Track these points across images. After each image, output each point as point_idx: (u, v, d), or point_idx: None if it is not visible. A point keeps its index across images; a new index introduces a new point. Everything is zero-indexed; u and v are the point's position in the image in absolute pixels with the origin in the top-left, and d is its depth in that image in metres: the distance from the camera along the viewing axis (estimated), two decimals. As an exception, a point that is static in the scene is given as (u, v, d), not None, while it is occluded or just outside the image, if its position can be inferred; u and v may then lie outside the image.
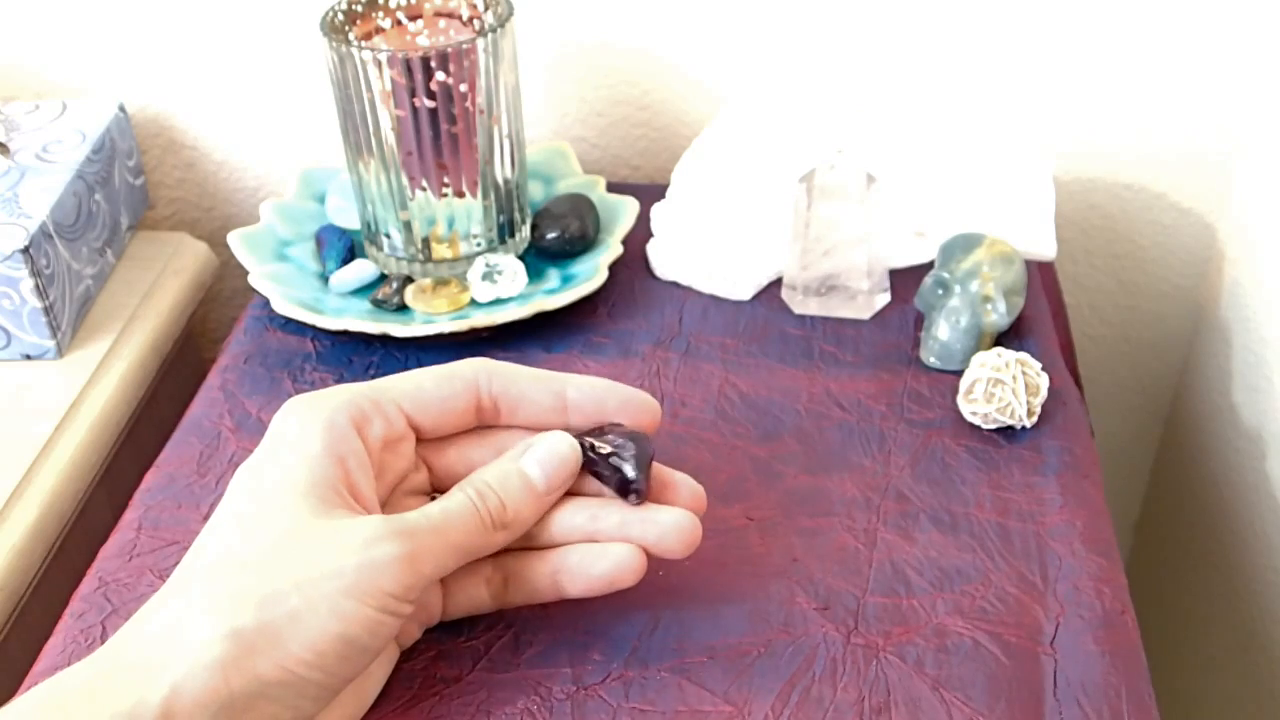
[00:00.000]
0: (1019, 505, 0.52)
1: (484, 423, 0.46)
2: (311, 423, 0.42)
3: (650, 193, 0.70)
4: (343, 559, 0.39)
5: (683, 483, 0.46)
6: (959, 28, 0.72)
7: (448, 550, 0.41)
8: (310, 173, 0.72)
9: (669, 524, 0.44)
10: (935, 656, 0.45)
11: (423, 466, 0.46)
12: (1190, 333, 0.82)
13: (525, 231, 0.66)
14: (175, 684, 0.36)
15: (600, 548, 0.44)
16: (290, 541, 0.39)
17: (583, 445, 0.44)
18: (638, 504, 0.44)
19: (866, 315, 0.63)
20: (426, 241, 0.64)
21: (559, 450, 0.44)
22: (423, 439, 0.45)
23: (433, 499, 0.46)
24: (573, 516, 0.45)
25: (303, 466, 0.41)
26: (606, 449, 0.44)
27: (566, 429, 0.45)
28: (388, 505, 0.44)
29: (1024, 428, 0.55)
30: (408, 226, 0.63)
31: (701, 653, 0.45)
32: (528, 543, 0.45)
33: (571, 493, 0.45)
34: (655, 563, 0.45)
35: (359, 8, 0.62)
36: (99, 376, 0.65)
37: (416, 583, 0.40)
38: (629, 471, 0.44)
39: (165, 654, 0.37)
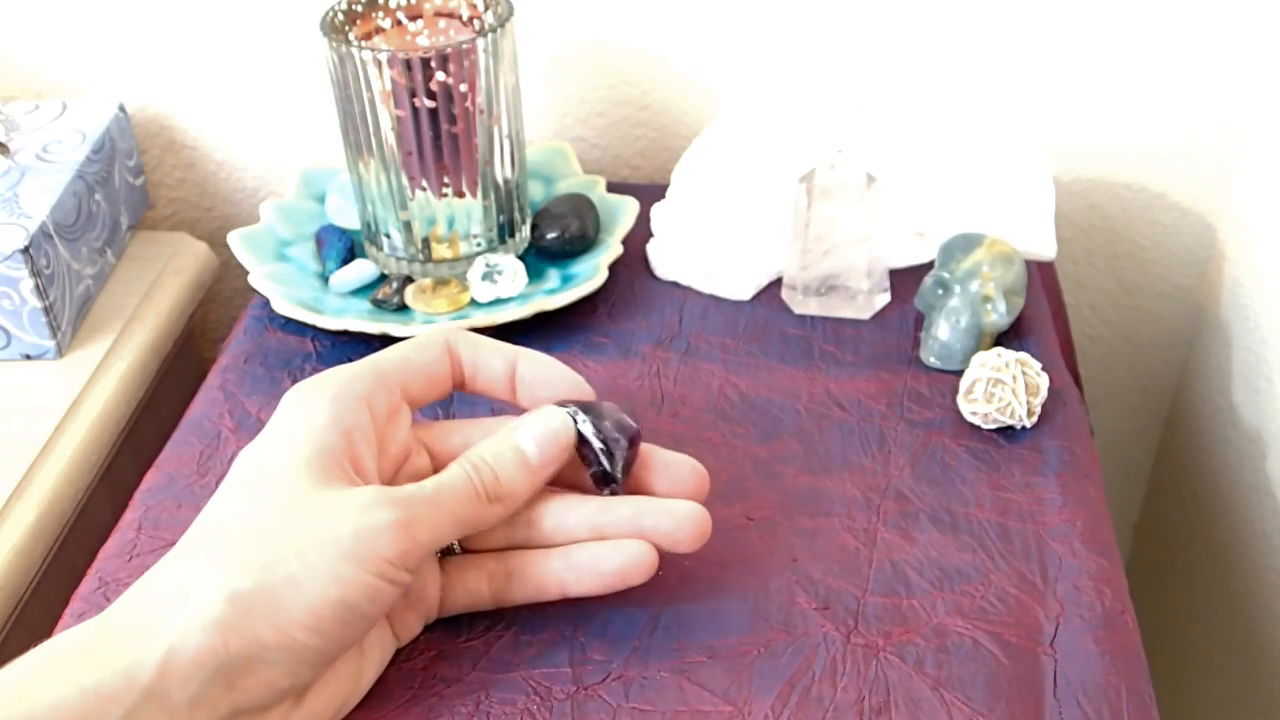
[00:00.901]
0: (1019, 505, 0.52)
1: (456, 387, 0.47)
2: (318, 398, 0.43)
3: (650, 193, 0.70)
4: (340, 525, 0.39)
5: (682, 462, 0.47)
6: (959, 28, 0.72)
7: (444, 519, 0.42)
8: (310, 173, 0.72)
9: (684, 515, 0.44)
10: (935, 656, 0.45)
11: (424, 451, 0.47)
12: (1190, 333, 0.82)
13: (525, 231, 0.66)
14: (173, 644, 0.37)
15: (611, 544, 0.44)
16: (291, 510, 0.40)
17: (575, 420, 0.45)
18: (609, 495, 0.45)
19: (866, 315, 0.63)
20: (426, 241, 0.64)
21: (552, 425, 0.44)
22: (414, 407, 0.47)
23: None
24: (579, 508, 0.45)
25: (307, 440, 0.42)
26: (598, 438, 0.45)
27: (514, 401, 0.47)
28: (391, 486, 0.45)
29: (1024, 428, 0.55)
30: (408, 226, 0.63)
31: (701, 653, 0.45)
32: (534, 539, 0.45)
33: (572, 486, 0.46)
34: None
35: (359, 8, 0.62)
36: (99, 376, 0.65)
37: (412, 549, 0.40)
38: (612, 469, 0.45)
39: (165, 615, 0.38)
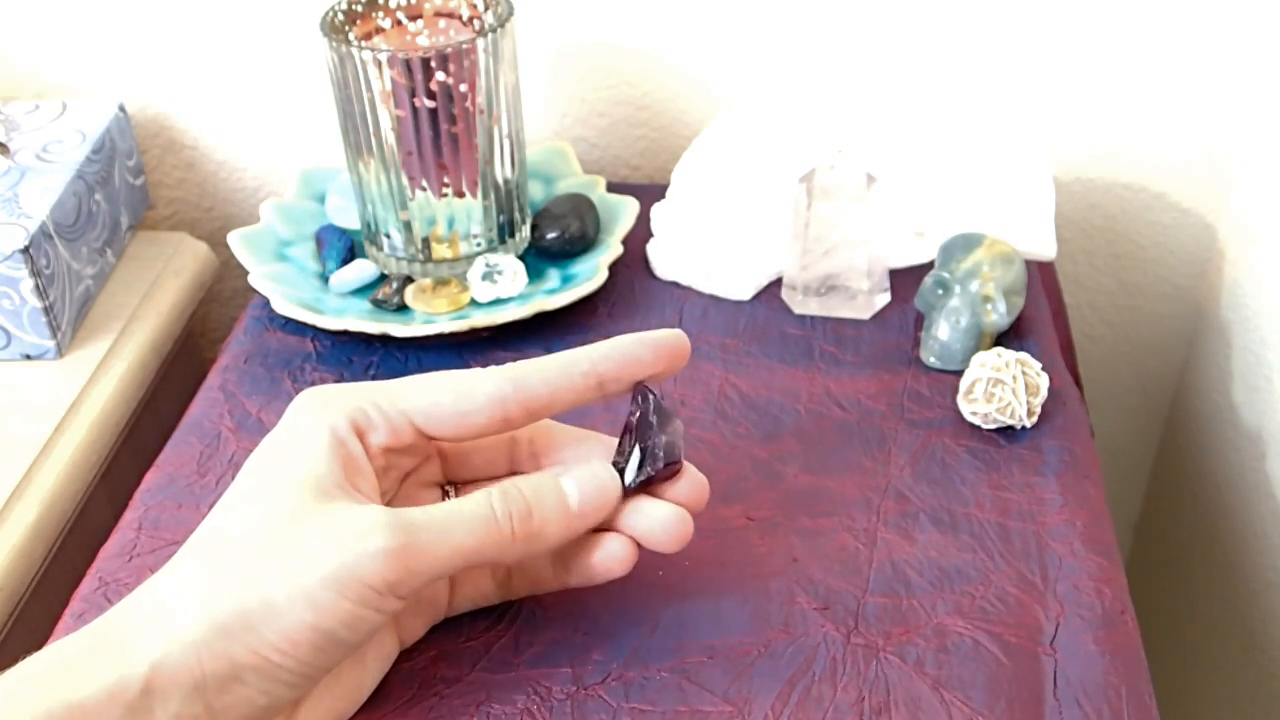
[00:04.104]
0: (1019, 505, 0.52)
1: (516, 427, 0.44)
2: (320, 422, 0.42)
3: (650, 193, 0.70)
4: (327, 550, 0.38)
5: (686, 471, 0.45)
6: (959, 28, 0.72)
7: (449, 550, 0.40)
8: (310, 173, 0.72)
9: (657, 517, 0.44)
10: (935, 656, 0.45)
11: (435, 457, 0.46)
12: (1190, 333, 0.82)
13: (525, 231, 0.66)
14: (155, 662, 0.37)
15: (593, 538, 0.44)
16: (283, 528, 0.39)
17: (640, 405, 0.44)
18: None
19: (866, 315, 0.63)
20: (426, 241, 0.64)
21: (600, 479, 0.43)
22: (446, 441, 0.45)
23: (443, 489, 0.46)
24: None
25: (308, 461, 0.41)
26: (641, 445, 0.43)
27: (606, 399, 0.44)
28: (398, 496, 0.45)
29: (1024, 428, 0.55)
30: (408, 226, 0.63)
31: (701, 653, 0.45)
32: None
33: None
34: (655, 562, 0.45)
35: (359, 8, 0.62)
36: (99, 376, 0.65)
37: (404, 579, 0.39)
38: (629, 478, 0.44)
39: (149, 632, 0.38)
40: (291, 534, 0.39)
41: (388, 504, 0.43)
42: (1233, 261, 0.76)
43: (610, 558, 0.44)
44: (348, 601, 0.38)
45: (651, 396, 0.44)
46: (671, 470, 0.44)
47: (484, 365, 0.60)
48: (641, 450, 0.44)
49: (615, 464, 0.44)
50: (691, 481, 0.45)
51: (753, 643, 0.46)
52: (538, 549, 0.42)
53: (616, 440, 0.45)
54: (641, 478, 0.43)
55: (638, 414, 0.44)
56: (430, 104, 0.59)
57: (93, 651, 0.37)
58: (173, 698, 0.37)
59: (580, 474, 0.43)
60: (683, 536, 0.44)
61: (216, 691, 0.38)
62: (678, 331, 0.45)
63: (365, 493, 0.42)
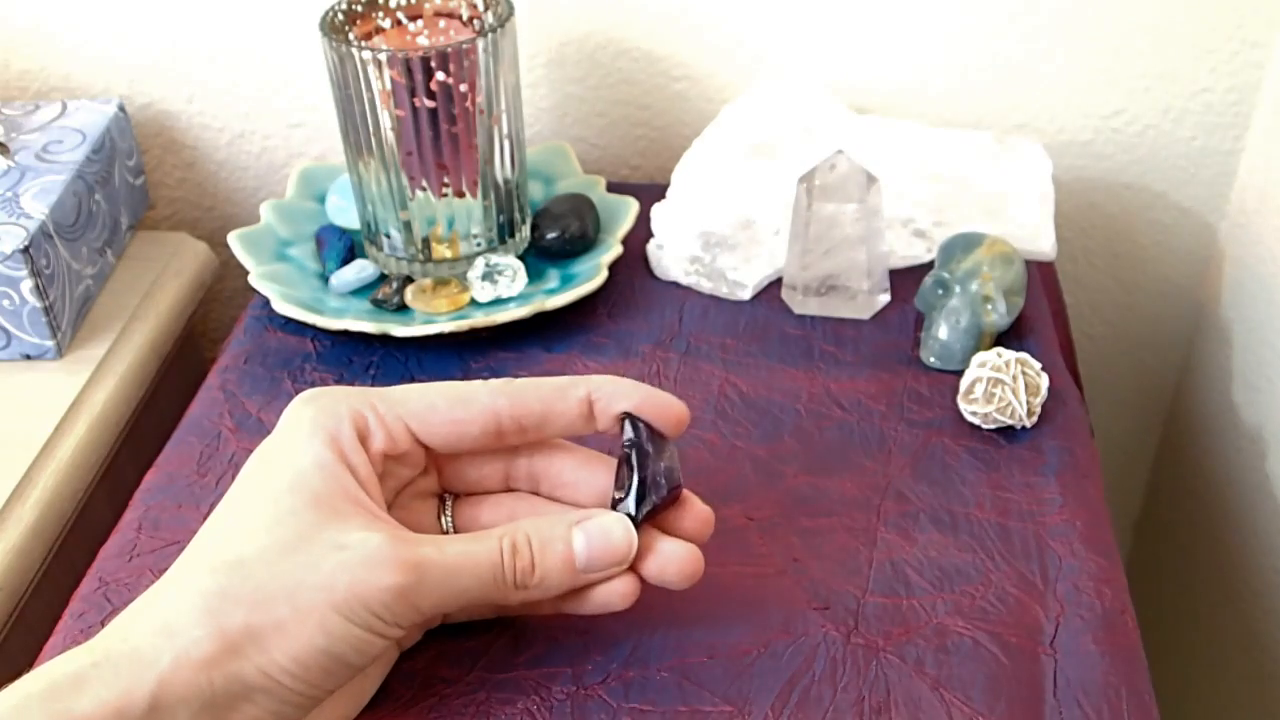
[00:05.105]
0: (1019, 505, 0.52)
1: (509, 443, 0.44)
2: (323, 428, 0.42)
3: (650, 193, 0.70)
4: (338, 574, 0.38)
5: (690, 504, 0.45)
6: (959, 27, 0.72)
7: (452, 593, 0.40)
8: (310, 173, 0.72)
9: (669, 554, 0.43)
10: (935, 656, 0.45)
11: (432, 470, 0.46)
12: (1190, 333, 0.82)
13: (525, 231, 0.66)
14: (162, 677, 0.37)
15: None
16: (293, 546, 0.39)
17: (631, 436, 0.43)
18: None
19: (866, 315, 0.63)
20: (426, 241, 0.64)
21: (614, 537, 0.42)
22: (438, 450, 0.44)
23: (440, 499, 0.46)
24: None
25: (313, 470, 0.40)
26: (638, 473, 0.43)
27: (596, 431, 0.44)
28: (394, 508, 0.44)
29: (1024, 428, 0.55)
30: (408, 226, 0.63)
31: (701, 653, 0.45)
32: None
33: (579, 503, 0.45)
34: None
35: (359, 8, 0.62)
36: (99, 376, 0.65)
37: (409, 615, 0.39)
38: (635, 512, 0.43)
39: (155, 647, 0.37)
40: (301, 554, 0.38)
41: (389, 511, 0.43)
42: (1233, 261, 0.76)
43: (611, 593, 0.43)
44: (357, 628, 0.38)
45: (641, 424, 0.43)
46: (674, 496, 0.44)
47: (484, 365, 0.60)
48: (641, 480, 0.43)
49: (615, 498, 0.44)
50: (696, 514, 0.45)
51: (753, 643, 0.46)
52: (536, 598, 0.42)
53: (615, 457, 0.44)
54: (647, 509, 0.43)
55: (631, 444, 0.43)
56: (430, 104, 0.59)
57: (96, 668, 0.37)
58: (180, 716, 0.37)
59: (592, 530, 0.42)
60: (694, 574, 0.43)
61: (226, 709, 0.37)
62: (682, 405, 0.44)
63: (374, 499, 0.41)
